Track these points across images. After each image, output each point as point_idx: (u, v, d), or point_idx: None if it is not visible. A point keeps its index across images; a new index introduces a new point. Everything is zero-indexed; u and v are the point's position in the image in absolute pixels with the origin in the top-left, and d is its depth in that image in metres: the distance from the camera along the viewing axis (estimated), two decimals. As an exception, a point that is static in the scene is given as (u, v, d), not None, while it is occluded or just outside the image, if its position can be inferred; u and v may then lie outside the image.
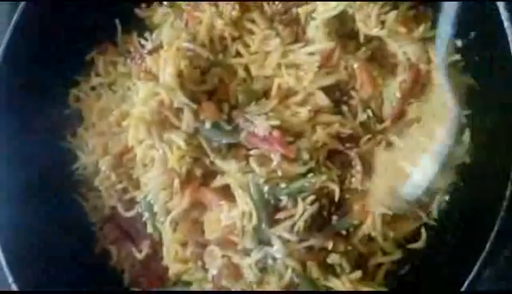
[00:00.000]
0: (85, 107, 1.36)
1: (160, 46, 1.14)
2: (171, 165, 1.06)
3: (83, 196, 1.32)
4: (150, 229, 1.16)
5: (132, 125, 1.08)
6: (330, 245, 1.04)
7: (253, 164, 1.04)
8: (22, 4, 1.27)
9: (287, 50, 1.10)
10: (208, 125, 1.04)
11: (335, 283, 1.04)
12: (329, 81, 1.09)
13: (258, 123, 1.04)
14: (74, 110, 1.37)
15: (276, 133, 1.02)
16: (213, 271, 1.05)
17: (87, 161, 1.30)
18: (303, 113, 1.06)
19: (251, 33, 1.15)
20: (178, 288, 1.17)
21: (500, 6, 0.95)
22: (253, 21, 1.15)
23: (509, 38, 0.94)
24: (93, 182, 1.28)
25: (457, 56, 1.08)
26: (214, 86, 1.09)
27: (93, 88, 1.37)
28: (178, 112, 1.05)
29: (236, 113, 1.07)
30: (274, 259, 1.03)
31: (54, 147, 1.33)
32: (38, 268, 1.16)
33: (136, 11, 1.36)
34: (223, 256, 1.05)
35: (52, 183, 1.29)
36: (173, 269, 1.14)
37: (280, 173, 1.04)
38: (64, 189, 1.31)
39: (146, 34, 1.28)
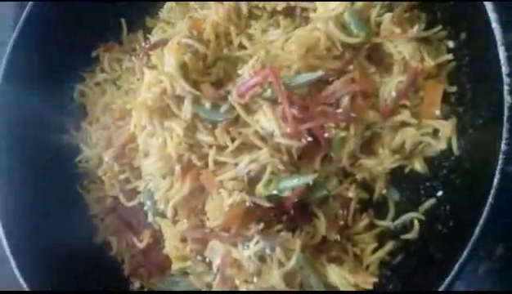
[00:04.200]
0: (90, 102, 1.40)
1: (164, 43, 1.18)
2: (168, 151, 1.09)
3: (85, 188, 1.35)
4: (150, 218, 1.18)
5: (135, 111, 1.11)
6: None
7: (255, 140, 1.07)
8: (30, 3, 1.31)
9: (290, 36, 1.15)
10: (208, 105, 1.08)
11: (334, 270, 1.08)
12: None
13: (244, 69, 1.09)
14: (78, 105, 1.41)
15: (268, 67, 1.05)
16: (217, 260, 1.08)
17: (90, 153, 1.33)
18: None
19: (255, 20, 1.21)
20: (178, 278, 1.19)
21: (488, 7, 0.99)
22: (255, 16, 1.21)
23: (497, 39, 0.98)
24: (96, 174, 1.31)
25: (449, 56, 1.13)
26: (219, 77, 1.13)
27: (98, 84, 1.41)
28: (179, 100, 1.09)
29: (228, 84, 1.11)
30: (272, 249, 1.06)
31: (57, 140, 1.36)
32: (41, 262, 1.18)
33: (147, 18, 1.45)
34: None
35: (55, 176, 1.32)
36: (176, 265, 1.16)
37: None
38: (66, 182, 1.34)
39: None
